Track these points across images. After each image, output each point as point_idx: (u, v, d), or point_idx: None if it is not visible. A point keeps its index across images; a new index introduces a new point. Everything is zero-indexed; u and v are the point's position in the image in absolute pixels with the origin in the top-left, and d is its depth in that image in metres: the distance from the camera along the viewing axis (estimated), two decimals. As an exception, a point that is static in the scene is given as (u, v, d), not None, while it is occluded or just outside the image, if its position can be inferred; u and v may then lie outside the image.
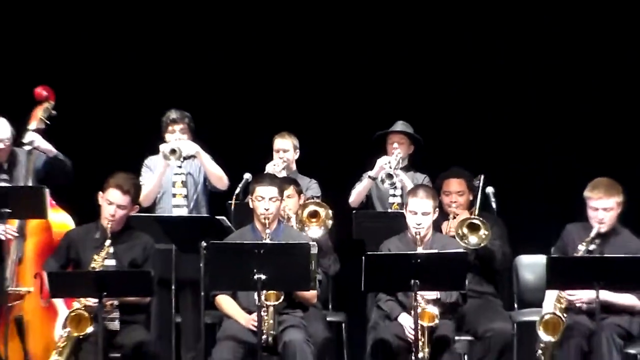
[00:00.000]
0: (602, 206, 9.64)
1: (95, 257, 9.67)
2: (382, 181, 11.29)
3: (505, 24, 13.80)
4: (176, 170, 11.47)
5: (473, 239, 10.10)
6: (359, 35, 13.75)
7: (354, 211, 11.28)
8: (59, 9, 13.72)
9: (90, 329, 9.26)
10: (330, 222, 10.79)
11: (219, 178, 11.41)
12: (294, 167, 11.62)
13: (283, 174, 11.07)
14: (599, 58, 13.64)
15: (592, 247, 9.62)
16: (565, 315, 9.50)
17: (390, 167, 11.23)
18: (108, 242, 9.74)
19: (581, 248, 9.64)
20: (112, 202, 9.77)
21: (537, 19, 13.76)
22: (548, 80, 13.66)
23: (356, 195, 11.47)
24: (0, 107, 11.40)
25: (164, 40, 13.78)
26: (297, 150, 11.68)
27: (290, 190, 10.58)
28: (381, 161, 11.37)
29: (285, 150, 11.57)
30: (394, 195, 11.27)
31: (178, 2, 13.96)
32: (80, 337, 9.37)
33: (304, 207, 10.70)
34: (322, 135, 12.17)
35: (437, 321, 9.28)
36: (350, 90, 13.25)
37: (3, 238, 11.00)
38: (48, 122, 11.27)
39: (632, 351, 9.49)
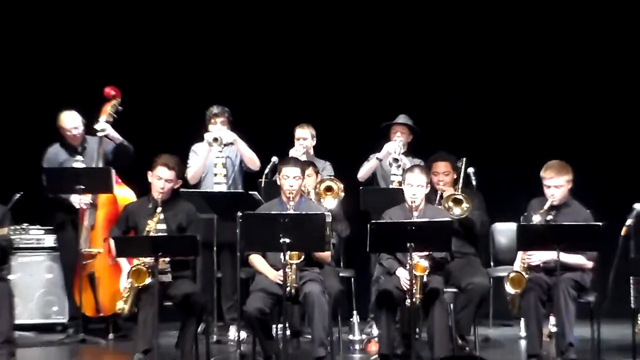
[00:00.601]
0: (554, 184, 9.63)
1: (149, 221, 9.73)
2: (390, 164, 11.35)
3: (479, 26, 13.72)
4: (217, 155, 11.50)
5: (457, 211, 10.11)
6: (370, 41, 13.73)
7: (360, 187, 11.27)
8: (122, 20, 13.64)
9: (148, 281, 9.31)
10: (342, 195, 10.82)
11: (252, 161, 11.47)
12: (311, 151, 11.62)
13: (303, 157, 11.06)
14: (562, 53, 13.57)
15: (549, 217, 9.61)
16: (527, 272, 9.52)
17: (396, 153, 11.30)
18: (159, 209, 9.80)
19: (535, 218, 9.63)
20: (160, 178, 9.83)
21: (511, 18, 13.65)
22: (522, 80, 13.58)
23: (364, 172, 11.53)
24: (74, 102, 11.46)
25: (207, 45, 13.71)
26: (314, 138, 11.68)
27: (309, 171, 10.58)
28: (388, 146, 11.44)
29: (304, 138, 11.58)
30: (395, 175, 11.27)
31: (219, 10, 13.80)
32: (140, 288, 9.41)
33: (321, 183, 10.72)
34: (334, 125, 12.22)
35: (427, 271, 9.29)
36: (357, 88, 13.27)
37: (78, 207, 11.13)
38: (115, 115, 11.45)
39: (584, 300, 9.46)
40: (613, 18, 13.54)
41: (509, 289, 9.63)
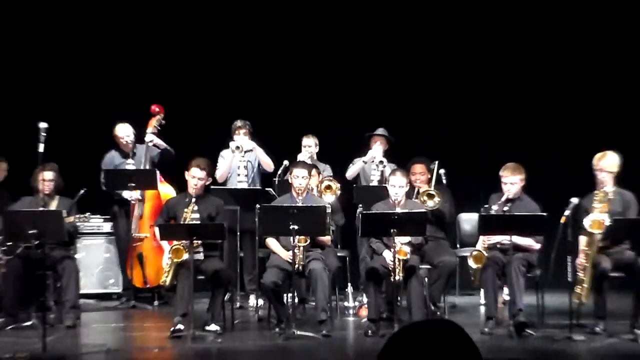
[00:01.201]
0: (510, 181, 9.72)
1: (185, 210, 9.78)
2: (377, 165, 11.38)
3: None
4: (240, 159, 11.53)
5: (430, 203, 10.18)
6: (359, 70, 13.56)
7: (354, 185, 11.38)
8: (167, 50, 13.55)
9: (185, 257, 9.40)
10: (339, 192, 10.93)
11: (268, 164, 11.53)
12: (315, 156, 11.63)
13: (309, 161, 11.13)
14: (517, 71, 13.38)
15: (505, 208, 9.68)
16: (487, 252, 9.62)
17: (380, 156, 11.34)
18: (193, 202, 9.86)
19: (494, 209, 9.70)
20: (194, 176, 9.90)
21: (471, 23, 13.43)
22: (484, 96, 13.42)
23: (352, 172, 11.56)
24: (127, 115, 11.53)
25: (233, 71, 13.55)
26: (317, 146, 11.71)
27: (313, 172, 10.64)
28: (373, 152, 11.45)
29: (310, 146, 11.63)
30: (374, 175, 11.41)
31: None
32: (178, 264, 9.50)
33: (322, 182, 10.82)
34: (331, 136, 12.07)
35: (408, 256, 9.36)
36: (349, 108, 13.19)
37: (129, 200, 11.20)
38: (159, 127, 11.48)
39: (531, 274, 9.59)
40: (562, 26, 13.35)
41: (472, 264, 9.77)
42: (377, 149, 11.47)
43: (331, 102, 13.24)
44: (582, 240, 9.41)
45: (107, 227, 11.94)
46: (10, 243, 10.15)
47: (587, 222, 9.30)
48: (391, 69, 13.52)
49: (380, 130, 11.65)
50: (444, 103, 13.37)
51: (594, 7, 12.90)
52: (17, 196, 10.63)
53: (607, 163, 9.49)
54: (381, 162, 11.36)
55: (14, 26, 13.08)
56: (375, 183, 11.19)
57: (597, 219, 9.26)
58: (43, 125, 9.55)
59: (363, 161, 11.53)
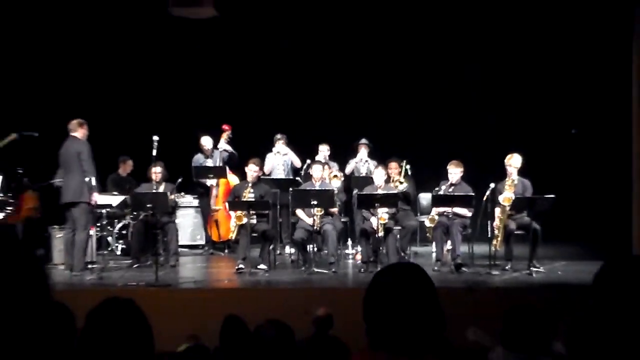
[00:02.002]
0: (453, 172, 9.75)
1: (244, 192, 9.85)
2: (364, 163, 11.35)
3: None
4: (279, 159, 11.52)
5: (401, 187, 10.20)
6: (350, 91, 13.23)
7: (350, 176, 11.37)
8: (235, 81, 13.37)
9: (244, 221, 9.45)
10: (342, 179, 10.97)
11: (297, 162, 11.47)
12: (327, 157, 11.48)
13: (323, 160, 11.12)
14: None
15: (450, 190, 9.73)
16: (437, 217, 9.67)
17: (365, 158, 11.34)
18: (249, 185, 9.92)
19: (443, 190, 9.77)
20: (251, 170, 9.98)
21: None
22: (440, 110, 13.05)
23: (350, 168, 11.44)
24: (208, 131, 11.54)
25: (278, 98, 13.27)
26: (329, 150, 11.55)
27: (326, 168, 10.68)
28: (360, 155, 11.41)
29: (323, 150, 11.50)
30: (362, 169, 11.35)
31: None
32: (240, 225, 9.56)
33: (331, 173, 10.82)
34: (336, 145, 11.84)
35: (386, 221, 9.39)
36: (344, 125, 12.77)
37: (209, 185, 11.22)
38: (228, 139, 11.47)
39: (465, 232, 9.62)
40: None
41: (428, 224, 9.82)
42: (362, 153, 11.46)
43: (336, 121, 13.05)
44: (497, 210, 9.44)
45: (195, 202, 11.92)
46: (136, 213, 10.26)
47: (501, 198, 9.38)
48: (374, 95, 13.16)
49: (363, 140, 11.57)
50: (409, 120, 13.08)
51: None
52: (139, 183, 10.72)
53: (514, 161, 9.54)
54: (366, 161, 11.38)
55: (128, 60, 12.91)
56: (363, 175, 11.13)
57: (507, 196, 9.34)
58: (155, 137, 9.66)
59: (355, 162, 11.49)
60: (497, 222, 9.41)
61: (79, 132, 9.34)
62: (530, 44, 12.60)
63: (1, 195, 9.58)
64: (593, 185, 11.75)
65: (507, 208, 9.32)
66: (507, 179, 9.48)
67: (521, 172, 9.59)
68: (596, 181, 11.68)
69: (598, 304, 2.07)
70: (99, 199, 9.50)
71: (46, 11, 11.15)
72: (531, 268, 9.07)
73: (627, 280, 2.05)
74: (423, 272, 2.35)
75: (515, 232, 9.38)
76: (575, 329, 4.12)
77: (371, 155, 11.46)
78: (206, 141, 11.46)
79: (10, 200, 9.63)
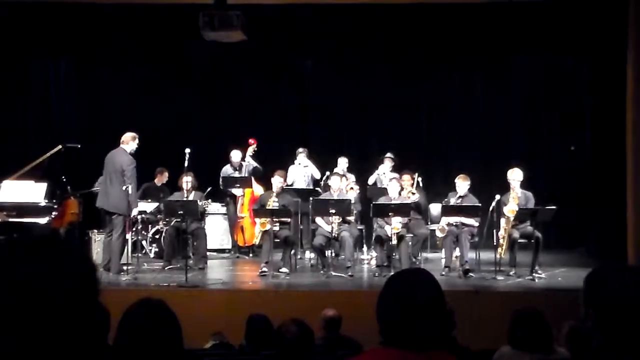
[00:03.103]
0: (461, 185, 9.72)
1: (269, 200, 9.80)
2: (384, 174, 11.26)
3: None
4: (301, 171, 11.50)
5: (413, 198, 10.19)
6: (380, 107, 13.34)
7: (368, 186, 11.31)
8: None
9: (268, 228, 9.44)
10: (358, 191, 10.91)
11: (318, 174, 11.43)
12: (345, 170, 11.40)
13: (341, 172, 11.03)
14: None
15: (458, 201, 9.69)
16: (447, 226, 9.61)
17: (388, 171, 11.25)
18: (274, 194, 9.90)
19: (451, 201, 9.72)
20: (276, 181, 9.95)
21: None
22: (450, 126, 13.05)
23: (372, 179, 11.34)
24: (236, 144, 11.56)
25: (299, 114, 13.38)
26: (347, 163, 11.52)
27: (343, 179, 10.66)
28: (383, 168, 11.31)
29: (342, 163, 11.46)
30: (382, 181, 11.16)
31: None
32: (264, 231, 9.55)
33: (348, 185, 10.78)
34: (356, 158, 11.96)
35: (399, 229, 9.36)
36: (367, 139, 13.01)
37: (236, 194, 11.21)
38: (253, 152, 11.43)
39: (472, 240, 9.60)
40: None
41: (438, 234, 9.77)
42: (386, 166, 11.34)
43: (355, 135, 13.15)
44: (503, 220, 9.39)
45: (223, 210, 11.85)
46: (168, 219, 10.28)
47: (506, 209, 9.32)
48: (389, 112, 13.08)
49: (388, 154, 11.46)
50: (421, 136, 13.14)
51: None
52: (173, 192, 10.75)
53: (515, 175, 9.50)
54: (384, 173, 11.30)
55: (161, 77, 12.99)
56: (385, 186, 11.01)
57: (512, 208, 9.29)
58: (187, 150, 9.68)
59: (377, 173, 11.39)
60: (502, 232, 9.36)
61: (130, 146, 9.39)
62: (532, 65, 12.62)
63: (46, 201, 9.64)
64: (591, 197, 11.67)
65: (512, 219, 9.27)
66: (510, 192, 9.44)
67: (523, 184, 9.55)
68: (594, 193, 11.60)
69: (589, 310, 2.08)
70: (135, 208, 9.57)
71: (87, 25, 11.21)
72: (534, 274, 9.01)
73: (613, 287, 2.07)
74: (432, 277, 2.37)
75: (519, 241, 9.32)
76: (576, 332, 4.11)
77: (393, 168, 11.36)
78: (235, 154, 11.45)
79: (55, 206, 9.69)
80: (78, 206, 10.02)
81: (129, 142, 9.41)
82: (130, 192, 9.14)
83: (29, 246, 1.60)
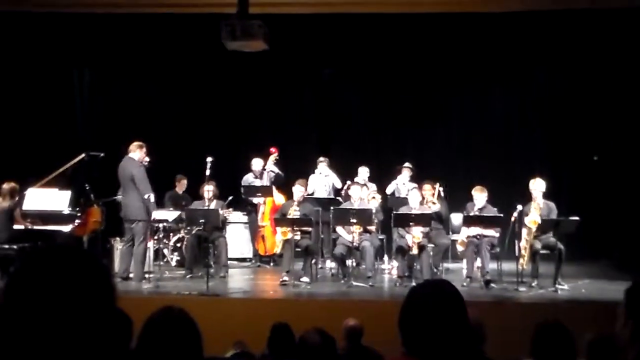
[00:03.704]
0: (478, 197, 9.68)
1: (290, 210, 9.82)
2: (404, 184, 11.26)
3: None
4: (322, 180, 11.48)
5: (434, 208, 10.12)
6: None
7: (389, 196, 11.29)
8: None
9: (289, 237, 9.45)
10: (380, 200, 10.86)
11: (338, 183, 11.40)
12: (367, 179, 11.38)
13: (362, 182, 11.07)
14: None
15: (477, 212, 9.64)
16: (467, 237, 9.58)
17: (406, 180, 11.28)
18: (295, 204, 9.90)
19: (471, 212, 9.66)
20: (298, 190, 9.96)
21: None
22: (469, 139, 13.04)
23: (391, 189, 11.36)
24: (258, 153, 11.57)
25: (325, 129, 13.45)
26: (368, 172, 11.49)
27: (365, 189, 10.66)
28: (401, 177, 11.35)
29: (363, 173, 11.45)
30: (400, 191, 11.24)
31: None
32: (285, 240, 9.56)
33: (369, 195, 10.77)
34: (376, 168, 11.94)
35: (421, 239, 9.35)
36: (386, 152, 13.01)
37: (256, 203, 11.23)
38: (274, 161, 11.46)
39: (494, 251, 9.51)
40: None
41: (459, 246, 9.75)
42: (404, 175, 11.39)
43: (376, 145, 13.17)
44: (524, 231, 9.33)
45: (244, 219, 11.89)
46: (189, 227, 10.31)
47: (527, 220, 9.26)
48: (410, 122, 13.13)
49: (407, 164, 11.51)
50: (442, 146, 13.10)
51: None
52: (194, 200, 10.77)
53: (537, 185, 9.44)
54: (404, 184, 11.30)
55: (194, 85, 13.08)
56: (403, 196, 11.03)
57: (533, 219, 9.22)
58: (209, 158, 9.71)
59: (396, 183, 11.43)
60: (523, 243, 9.30)
61: (137, 154, 9.48)
62: (557, 75, 12.57)
63: (70, 209, 9.71)
64: (615, 207, 11.57)
65: (534, 229, 9.21)
66: (532, 202, 9.38)
67: (545, 195, 9.48)
68: (617, 204, 11.50)
69: (628, 321, 2.06)
70: (157, 214, 9.62)
71: (111, 36, 11.30)
72: (556, 285, 8.95)
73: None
74: (453, 288, 2.38)
75: (541, 252, 9.25)
76: (597, 344, 4.06)
77: (411, 178, 11.38)
78: (256, 163, 11.49)
79: (78, 214, 9.76)
80: (101, 214, 10.11)
81: (136, 150, 9.51)
82: (152, 200, 9.23)
83: (50, 254, 1.64)
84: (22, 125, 11.52)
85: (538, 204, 9.33)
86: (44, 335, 1.52)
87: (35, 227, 9.34)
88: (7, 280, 1.62)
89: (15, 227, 9.24)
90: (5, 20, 10.64)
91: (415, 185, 10.78)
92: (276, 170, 11.53)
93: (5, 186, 9.30)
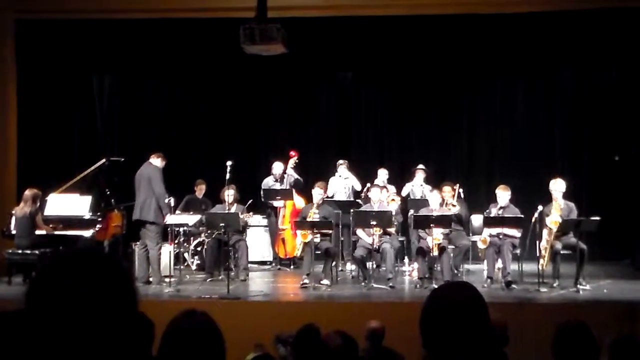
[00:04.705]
0: (502, 196, 9.62)
1: (310, 212, 9.83)
2: (419, 187, 11.25)
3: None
4: (342, 183, 11.46)
5: (454, 210, 10.03)
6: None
7: (408, 199, 11.26)
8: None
9: (309, 239, 9.44)
10: (399, 202, 10.87)
11: (358, 186, 11.35)
12: (386, 181, 11.31)
13: (381, 184, 11.00)
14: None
15: (500, 212, 9.60)
16: (489, 237, 9.51)
17: (420, 183, 11.27)
18: (315, 207, 9.90)
19: (493, 212, 9.63)
20: (317, 192, 9.97)
21: None
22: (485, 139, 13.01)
23: (405, 191, 11.31)
24: (277, 157, 11.59)
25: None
26: (387, 175, 11.41)
27: (384, 191, 10.64)
28: (417, 179, 11.34)
29: (382, 175, 11.39)
30: (415, 193, 11.23)
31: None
32: (305, 243, 9.55)
33: (389, 197, 10.75)
34: (394, 170, 11.93)
35: (441, 240, 9.33)
36: (401, 149, 13.00)
37: (277, 206, 11.20)
38: (294, 164, 11.45)
39: (515, 252, 9.45)
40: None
41: (480, 245, 9.68)
42: (419, 177, 11.38)
43: (395, 147, 13.14)
44: (545, 231, 9.28)
45: (264, 222, 11.88)
46: (210, 231, 10.34)
47: (548, 220, 9.22)
48: (430, 124, 13.14)
49: (420, 165, 11.48)
50: (462, 147, 13.05)
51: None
52: (214, 204, 10.82)
53: (558, 186, 9.39)
54: (421, 185, 11.29)
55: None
56: (418, 198, 11.01)
57: (554, 219, 9.18)
58: (229, 162, 9.74)
59: (411, 185, 11.41)
60: (544, 243, 9.25)
61: (157, 161, 9.65)
62: (576, 74, 12.50)
63: (91, 214, 9.79)
64: (636, 208, 11.47)
65: (554, 230, 9.16)
66: (553, 202, 9.33)
67: (566, 195, 9.44)
68: (639, 204, 11.40)
69: None
70: (177, 218, 9.66)
71: (130, 42, 11.38)
72: (578, 286, 8.90)
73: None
74: (475, 290, 2.37)
75: (562, 252, 9.20)
76: (618, 344, 4.03)
77: (427, 179, 11.36)
78: (276, 166, 11.51)
79: (99, 219, 9.84)
80: (121, 219, 10.19)
81: (157, 158, 9.67)
82: (172, 203, 9.30)
83: (72, 258, 1.64)
84: (43, 131, 11.62)
85: (559, 204, 9.28)
86: (67, 339, 1.53)
87: (57, 232, 9.43)
88: (29, 284, 1.64)
89: (37, 232, 9.35)
90: (26, 27, 10.79)
91: (430, 187, 10.79)
92: (295, 175, 11.54)
93: (28, 192, 9.42)
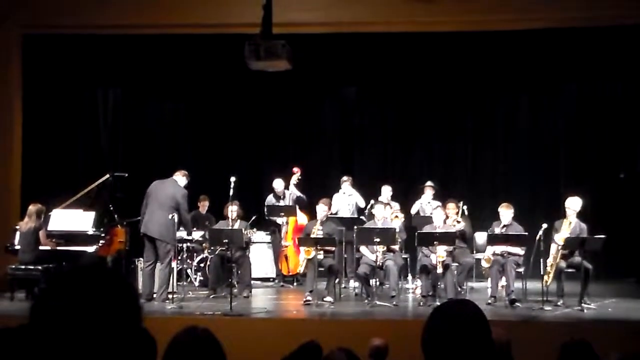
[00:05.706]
0: (505, 214, 9.61)
1: (314, 229, 9.82)
2: (428, 203, 11.25)
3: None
4: (345, 200, 11.45)
5: (458, 227, 10.07)
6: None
7: (413, 215, 11.26)
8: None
9: (312, 256, 9.43)
10: (403, 219, 10.86)
11: (362, 202, 11.36)
12: (390, 198, 11.28)
13: (385, 201, 10.94)
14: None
15: (503, 230, 9.59)
16: (492, 255, 9.51)
17: (430, 199, 11.26)
18: (319, 224, 9.90)
19: (496, 230, 9.62)
20: (321, 209, 9.96)
21: None
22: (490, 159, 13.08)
23: (415, 209, 11.32)
24: (280, 174, 11.61)
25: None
26: (391, 192, 11.43)
27: (388, 208, 10.62)
28: (425, 196, 11.33)
29: (386, 192, 11.39)
30: (425, 210, 11.20)
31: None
32: (308, 259, 9.55)
33: (392, 213, 10.75)
34: (398, 188, 11.94)
35: (445, 258, 9.29)
36: (405, 166, 13.02)
37: (280, 223, 11.24)
38: (297, 181, 11.46)
39: (519, 270, 9.43)
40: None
41: (484, 264, 9.68)
42: (428, 194, 11.38)
43: (399, 164, 13.15)
44: (553, 247, 9.26)
45: (267, 238, 11.90)
46: (213, 247, 10.34)
47: (557, 237, 9.20)
48: (434, 141, 13.17)
49: (429, 182, 11.49)
50: (466, 164, 13.09)
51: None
52: (218, 220, 10.83)
53: (573, 204, 9.34)
54: (428, 202, 11.28)
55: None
56: (428, 215, 10.97)
57: (563, 236, 9.16)
58: (233, 178, 9.74)
59: (420, 202, 11.39)
60: (550, 259, 9.23)
61: (182, 180, 9.61)
62: (581, 91, 12.53)
63: (94, 229, 9.80)
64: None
65: (560, 247, 9.13)
66: (565, 219, 9.30)
67: (580, 216, 9.38)
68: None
69: None
70: (180, 234, 9.68)
71: (135, 57, 11.45)
72: (582, 304, 8.86)
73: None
74: (477, 308, 2.38)
75: (566, 271, 9.18)
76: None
77: (434, 196, 11.36)
78: (278, 184, 11.50)
79: (103, 235, 9.85)
80: (125, 235, 10.18)
81: (182, 177, 9.62)
82: (175, 219, 9.29)
83: (76, 275, 1.66)
84: (48, 146, 11.65)
85: (570, 222, 9.25)
86: (71, 355, 1.54)
87: (60, 248, 9.44)
88: (33, 300, 1.65)
89: (41, 248, 9.35)
90: (32, 42, 10.83)
91: (439, 203, 10.76)
92: (297, 192, 11.54)
93: (32, 207, 9.43)
